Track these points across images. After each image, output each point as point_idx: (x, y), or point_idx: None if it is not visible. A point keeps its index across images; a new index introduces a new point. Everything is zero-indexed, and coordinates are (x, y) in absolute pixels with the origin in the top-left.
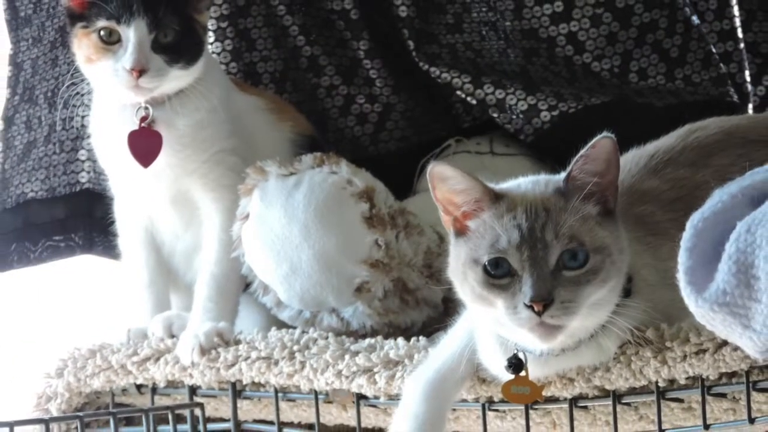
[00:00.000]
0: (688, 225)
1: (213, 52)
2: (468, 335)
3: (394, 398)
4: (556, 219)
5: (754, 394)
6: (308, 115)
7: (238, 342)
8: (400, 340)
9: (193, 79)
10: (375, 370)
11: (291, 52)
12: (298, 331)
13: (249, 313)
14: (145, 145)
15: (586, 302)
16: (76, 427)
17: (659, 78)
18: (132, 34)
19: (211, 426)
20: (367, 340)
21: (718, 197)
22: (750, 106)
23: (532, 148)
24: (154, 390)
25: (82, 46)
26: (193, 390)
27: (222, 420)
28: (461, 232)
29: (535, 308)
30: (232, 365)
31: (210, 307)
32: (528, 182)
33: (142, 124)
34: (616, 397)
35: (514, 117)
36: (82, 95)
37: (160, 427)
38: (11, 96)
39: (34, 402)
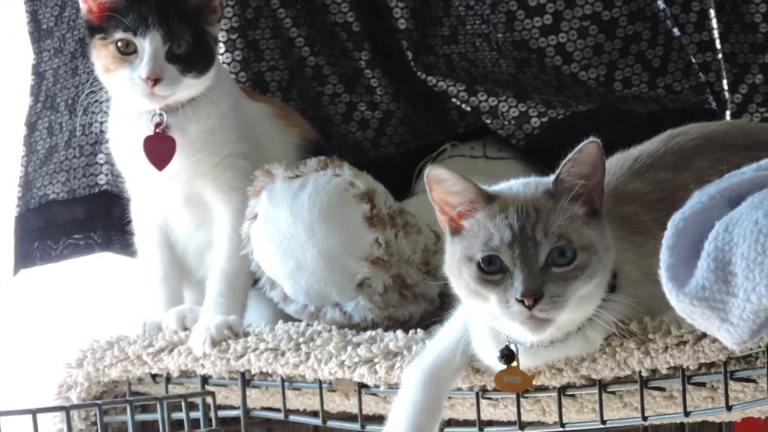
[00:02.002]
0: (670, 224)
1: (223, 62)
2: (463, 328)
3: (393, 387)
4: (545, 219)
5: (732, 384)
6: (313, 122)
7: (247, 334)
8: (399, 333)
9: (205, 87)
10: (375, 360)
11: (297, 62)
12: (303, 324)
13: (257, 307)
14: (159, 149)
15: (573, 297)
16: (95, 414)
17: (642, 86)
18: (147, 45)
19: (221, 413)
20: (368, 333)
21: (698, 198)
22: (728, 112)
23: (523, 152)
24: (168, 379)
25: (101, 56)
26: (204, 379)
27: (232, 407)
28: (456, 231)
29: (526, 302)
30: (242, 356)
31: (221, 301)
32: (519, 184)
33: (157, 130)
34: (602, 386)
35: (506, 123)
36: (101, 103)
37: (174, 414)
38: (34, 103)
39: (55, 391)
